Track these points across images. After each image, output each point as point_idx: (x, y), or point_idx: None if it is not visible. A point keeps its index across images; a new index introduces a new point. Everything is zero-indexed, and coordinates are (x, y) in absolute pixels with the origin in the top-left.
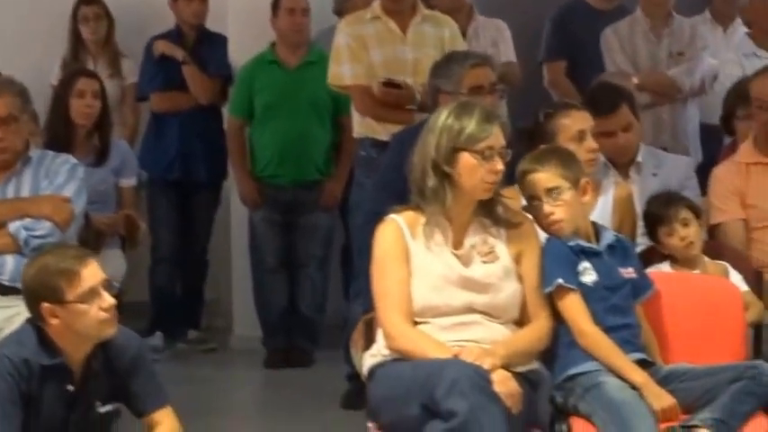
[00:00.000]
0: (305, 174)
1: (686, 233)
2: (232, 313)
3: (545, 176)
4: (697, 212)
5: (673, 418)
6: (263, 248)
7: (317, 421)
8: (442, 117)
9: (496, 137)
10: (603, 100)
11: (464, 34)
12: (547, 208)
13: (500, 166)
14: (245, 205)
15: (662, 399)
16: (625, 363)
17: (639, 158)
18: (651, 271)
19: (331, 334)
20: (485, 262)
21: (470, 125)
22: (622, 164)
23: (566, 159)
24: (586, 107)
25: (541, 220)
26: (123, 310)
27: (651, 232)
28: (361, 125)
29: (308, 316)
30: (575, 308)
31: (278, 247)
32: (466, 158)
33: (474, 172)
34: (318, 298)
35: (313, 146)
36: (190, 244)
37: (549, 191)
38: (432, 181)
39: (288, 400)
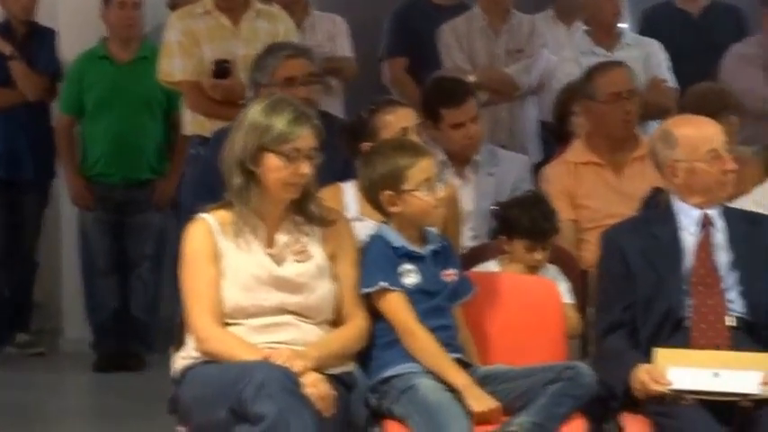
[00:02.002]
0: (137, 172)
1: (541, 257)
2: (62, 316)
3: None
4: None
5: (494, 420)
6: (93, 249)
7: (146, 426)
8: (252, 114)
9: (305, 139)
10: (453, 91)
11: (300, 29)
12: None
13: (305, 169)
14: (76, 205)
15: (482, 401)
16: (449, 365)
17: (477, 157)
18: (477, 270)
19: (164, 336)
20: (297, 261)
21: (279, 125)
22: (459, 162)
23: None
24: (433, 100)
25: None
26: None
27: (505, 230)
28: (191, 122)
29: (139, 318)
30: (401, 308)
31: (109, 248)
32: (271, 159)
33: (278, 173)
34: (151, 299)
35: (145, 143)
36: (18, 244)
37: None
38: (237, 179)
39: (118, 405)
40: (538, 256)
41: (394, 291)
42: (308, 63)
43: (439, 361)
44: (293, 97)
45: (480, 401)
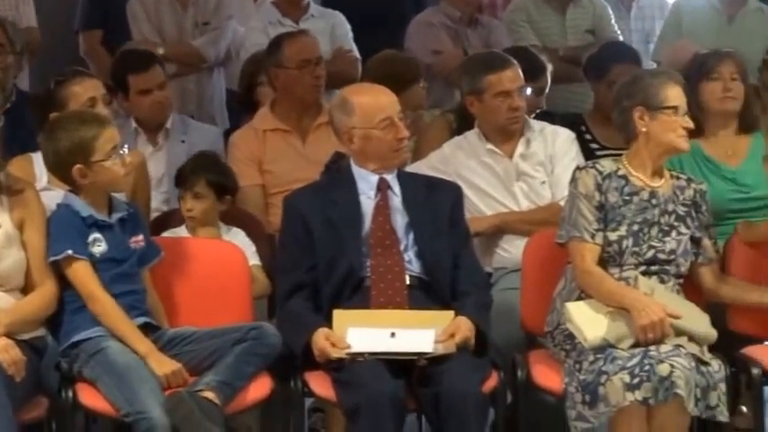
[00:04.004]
0: None
1: (190, 206)
2: None
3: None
4: (223, 188)
5: (179, 382)
6: None
7: None
8: None
9: None
10: (138, 59)
11: None
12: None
13: None
14: None
15: (165, 365)
16: (131, 331)
17: (168, 125)
18: (166, 235)
19: None
20: None
21: None
22: (151, 129)
23: None
24: (120, 69)
25: None
26: None
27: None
28: None
29: None
30: (85, 275)
31: None
32: None
33: None
34: None
35: None
36: None
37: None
38: None
39: None
40: (186, 204)
41: (80, 259)
42: None
43: (122, 328)
44: None
45: (162, 365)
